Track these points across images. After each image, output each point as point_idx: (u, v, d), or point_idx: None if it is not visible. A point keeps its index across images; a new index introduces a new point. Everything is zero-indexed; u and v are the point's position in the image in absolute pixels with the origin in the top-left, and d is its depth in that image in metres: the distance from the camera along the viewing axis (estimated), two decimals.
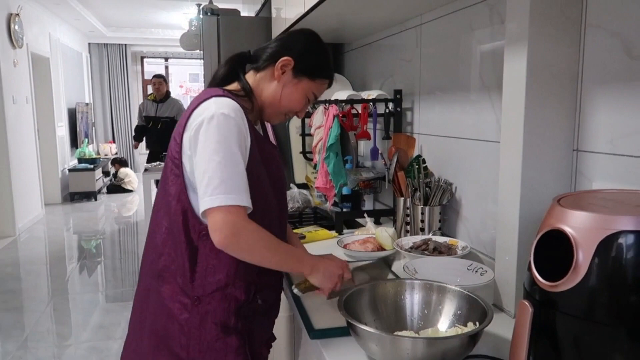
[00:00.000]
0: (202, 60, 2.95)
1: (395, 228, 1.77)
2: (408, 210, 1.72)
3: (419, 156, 1.79)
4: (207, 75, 2.90)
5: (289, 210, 1.97)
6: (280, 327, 1.45)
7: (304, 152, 2.42)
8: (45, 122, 6.68)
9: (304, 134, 2.38)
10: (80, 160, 7.66)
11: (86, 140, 8.04)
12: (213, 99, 1.05)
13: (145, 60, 9.95)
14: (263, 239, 1.02)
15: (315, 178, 1.99)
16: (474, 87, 1.50)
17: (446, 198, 1.62)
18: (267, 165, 1.12)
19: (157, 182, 5.78)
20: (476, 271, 1.27)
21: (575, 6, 1.08)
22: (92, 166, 7.42)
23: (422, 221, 1.63)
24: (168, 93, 5.94)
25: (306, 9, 1.80)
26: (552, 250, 0.75)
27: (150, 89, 6.04)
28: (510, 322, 1.08)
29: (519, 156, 1.12)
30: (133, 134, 6.92)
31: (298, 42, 1.17)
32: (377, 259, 1.55)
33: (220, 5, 3.30)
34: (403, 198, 1.77)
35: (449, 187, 1.62)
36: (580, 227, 0.71)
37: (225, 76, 1.18)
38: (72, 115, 7.85)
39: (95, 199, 7.35)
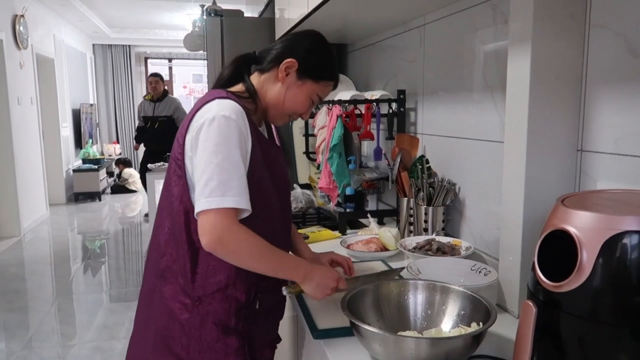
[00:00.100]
0: (205, 61, 2.95)
1: (398, 228, 1.77)
2: (411, 211, 1.72)
3: (422, 156, 1.79)
4: (211, 76, 2.90)
5: (292, 211, 1.97)
6: (284, 327, 1.45)
7: (307, 153, 2.42)
8: (49, 123, 6.71)
9: (307, 134, 2.39)
10: (84, 161, 7.69)
11: (90, 140, 8.08)
12: (216, 101, 1.05)
13: (149, 61, 9.98)
14: (253, 244, 1.00)
15: (318, 178, 1.99)
16: (477, 87, 1.49)
17: (449, 198, 1.61)
18: (269, 166, 1.12)
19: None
20: (480, 271, 1.27)
21: (579, 6, 1.08)
22: (96, 167, 7.45)
23: (426, 221, 1.63)
24: (165, 92, 5.88)
25: (310, 10, 1.80)
26: (556, 250, 0.75)
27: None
28: (514, 322, 1.08)
29: (522, 156, 1.12)
30: (134, 134, 6.92)
31: (302, 44, 1.16)
32: (380, 260, 1.55)
33: (224, 6, 3.30)
34: (406, 198, 1.76)
35: (452, 187, 1.62)
36: (585, 227, 0.71)
37: (230, 77, 1.18)
38: (77, 115, 7.88)
39: (100, 200, 7.37)
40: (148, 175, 4.97)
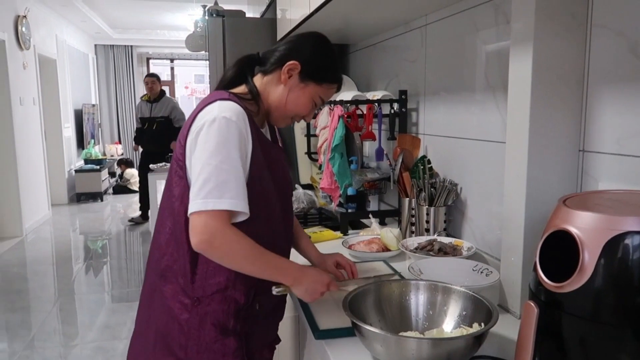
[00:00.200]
0: (207, 62, 2.95)
1: (400, 229, 1.77)
2: (413, 211, 1.72)
3: (424, 157, 1.79)
4: (213, 77, 2.91)
5: (294, 211, 1.97)
6: (285, 327, 1.45)
7: (309, 153, 2.42)
8: (52, 123, 6.72)
9: (309, 135, 2.39)
10: (86, 161, 7.71)
11: (92, 141, 8.09)
12: (217, 103, 1.05)
13: (151, 61, 10.00)
14: (242, 246, 1.00)
15: (320, 179, 1.99)
16: (479, 87, 1.49)
17: (451, 199, 1.61)
18: (271, 168, 1.12)
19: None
20: (481, 272, 1.27)
21: (581, 6, 1.08)
22: (98, 167, 7.47)
23: (427, 222, 1.63)
24: (162, 92, 5.82)
25: (311, 10, 1.80)
26: (558, 251, 0.75)
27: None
28: (516, 323, 1.08)
29: (524, 156, 1.12)
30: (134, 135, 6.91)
31: (305, 46, 1.16)
32: (382, 260, 1.55)
33: (226, 7, 3.31)
34: (408, 199, 1.76)
35: (454, 187, 1.62)
36: (586, 227, 0.71)
37: (234, 78, 1.18)
38: (79, 116, 7.90)
39: (102, 200, 7.39)
40: (150, 176, 4.96)
